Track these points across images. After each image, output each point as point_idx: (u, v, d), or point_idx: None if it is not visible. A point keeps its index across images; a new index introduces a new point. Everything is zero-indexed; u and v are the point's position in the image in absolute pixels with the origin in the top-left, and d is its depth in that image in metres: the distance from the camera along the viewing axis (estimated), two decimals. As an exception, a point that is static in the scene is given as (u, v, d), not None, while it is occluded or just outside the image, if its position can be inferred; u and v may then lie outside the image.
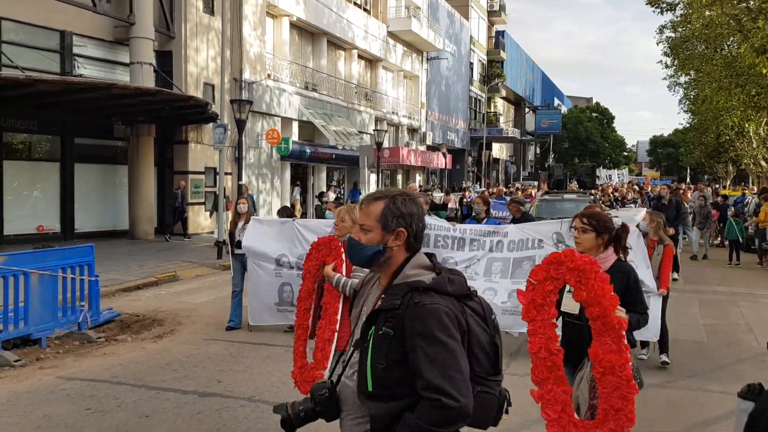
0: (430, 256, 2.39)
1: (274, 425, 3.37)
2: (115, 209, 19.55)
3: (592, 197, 15.44)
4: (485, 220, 9.13)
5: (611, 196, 24.71)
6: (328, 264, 4.68)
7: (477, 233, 8.15)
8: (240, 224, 8.96)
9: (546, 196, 17.84)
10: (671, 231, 11.64)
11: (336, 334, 4.39)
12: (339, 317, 4.45)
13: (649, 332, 6.94)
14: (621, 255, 3.95)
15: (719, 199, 21.39)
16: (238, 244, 8.72)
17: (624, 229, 4.00)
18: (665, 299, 7.41)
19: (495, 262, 7.83)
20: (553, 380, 3.17)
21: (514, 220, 9.27)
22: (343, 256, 4.63)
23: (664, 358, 7.34)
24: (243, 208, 9.24)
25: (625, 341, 3.10)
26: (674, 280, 10.92)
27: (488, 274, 7.91)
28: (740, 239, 16.39)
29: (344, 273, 4.61)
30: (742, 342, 8.52)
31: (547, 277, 3.18)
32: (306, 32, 27.90)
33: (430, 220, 8.11)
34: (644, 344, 7.62)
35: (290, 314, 7.89)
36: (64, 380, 6.53)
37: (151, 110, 17.92)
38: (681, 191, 21.44)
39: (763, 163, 39.64)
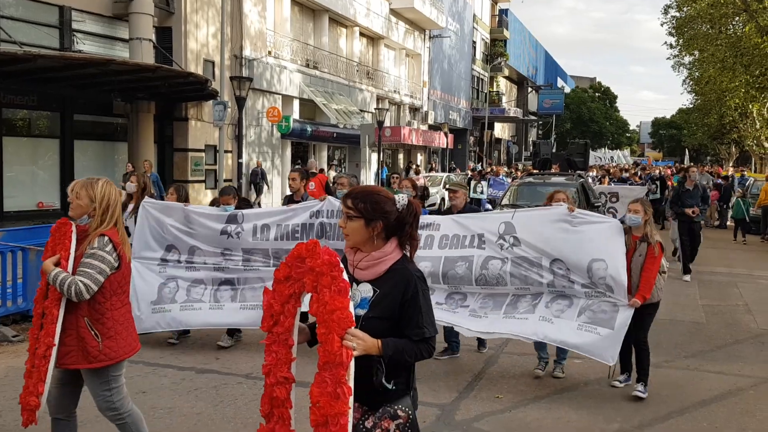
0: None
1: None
2: (116, 186, 19.46)
3: (581, 180, 13.77)
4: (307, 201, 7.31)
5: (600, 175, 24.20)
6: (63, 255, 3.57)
7: None
8: (129, 208, 7.21)
9: (530, 179, 15.34)
10: (694, 212, 11.28)
11: (54, 348, 3.49)
12: (59, 327, 3.49)
13: (602, 351, 5.46)
14: (408, 251, 2.74)
15: (720, 180, 21.36)
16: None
17: (410, 210, 2.70)
18: (647, 316, 5.76)
19: (422, 263, 6.10)
20: (276, 418, 2.52)
21: (458, 211, 7.11)
22: (73, 246, 3.58)
23: (638, 389, 5.71)
24: (131, 187, 7.43)
25: (348, 383, 2.32)
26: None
27: None
28: (746, 218, 16.90)
29: (70, 268, 3.53)
30: (741, 323, 8.53)
31: (288, 276, 2.52)
32: (307, 9, 27.62)
33: None
34: (624, 369, 6.11)
35: (167, 314, 6.64)
36: (63, 356, 6.54)
37: (151, 87, 17.79)
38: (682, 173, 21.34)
39: (766, 144, 39.49)
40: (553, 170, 22.50)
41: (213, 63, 20.79)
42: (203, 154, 21.14)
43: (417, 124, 37.95)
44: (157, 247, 6.82)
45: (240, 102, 16.88)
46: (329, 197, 6.79)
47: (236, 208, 6.93)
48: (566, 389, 6.00)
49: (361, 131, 26.47)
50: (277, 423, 2.50)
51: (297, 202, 7.23)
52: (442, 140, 38.63)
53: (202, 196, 21.11)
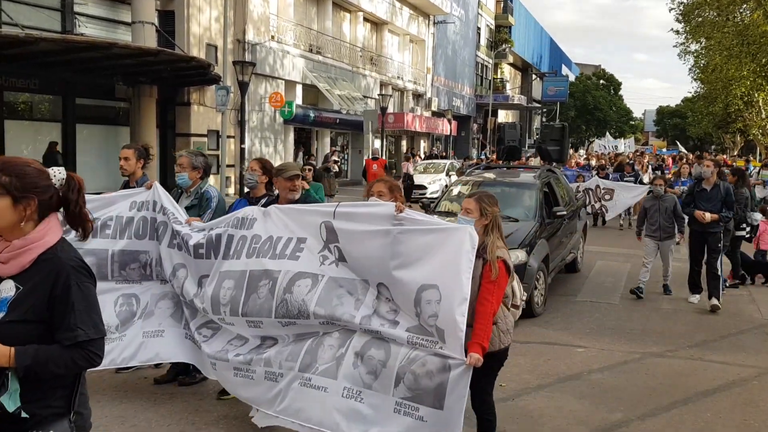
0: None
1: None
2: (117, 171, 19.32)
3: (549, 177, 10.08)
4: (263, 200, 5.15)
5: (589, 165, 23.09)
6: None
7: (223, 225, 4.76)
8: None
9: (476, 175, 11.07)
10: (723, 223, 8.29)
11: None
12: None
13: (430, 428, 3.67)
14: (80, 235, 2.29)
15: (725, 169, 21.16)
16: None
17: (71, 185, 2.25)
18: (485, 374, 3.87)
19: (225, 281, 4.49)
20: None
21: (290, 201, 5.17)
22: None
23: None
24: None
25: None
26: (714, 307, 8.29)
27: (215, 308, 4.52)
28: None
29: None
30: (744, 313, 8.49)
31: None
32: (311, -7, 27.46)
33: (168, 203, 5.10)
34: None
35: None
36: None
37: (153, 71, 17.68)
38: (684, 162, 21.05)
39: (771, 133, 39.26)
40: (529, 161, 20.00)
41: (216, 47, 20.66)
42: (206, 140, 21.06)
43: (420, 110, 37.80)
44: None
45: (243, 87, 16.80)
46: (156, 184, 5.23)
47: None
48: (569, 378, 5.97)
49: (364, 117, 26.40)
50: None
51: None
52: (445, 127, 38.49)
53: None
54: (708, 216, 8.24)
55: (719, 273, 8.47)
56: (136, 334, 4.95)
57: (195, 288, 4.77)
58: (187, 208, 5.31)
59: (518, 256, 7.57)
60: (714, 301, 8.38)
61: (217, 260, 4.63)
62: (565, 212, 9.43)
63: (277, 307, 4.17)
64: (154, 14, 18.28)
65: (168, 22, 19.53)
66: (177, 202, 5.26)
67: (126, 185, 5.78)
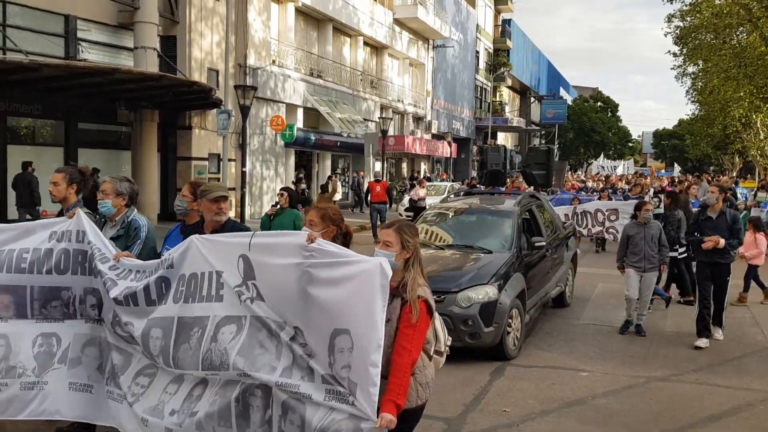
0: None
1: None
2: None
3: (531, 203, 9.41)
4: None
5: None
6: None
7: (148, 271, 4.15)
8: None
9: (452, 202, 10.09)
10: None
11: None
12: None
13: None
14: None
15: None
16: None
17: None
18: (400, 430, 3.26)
19: (154, 329, 3.94)
20: None
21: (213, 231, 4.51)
22: None
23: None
24: None
25: None
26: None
27: (134, 374, 4.11)
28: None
29: None
30: (748, 336, 8.45)
31: None
32: (311, 18, 27.69)
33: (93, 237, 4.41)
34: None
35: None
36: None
37: (155, 95, 17.83)
38: (686, 185, 21.00)
39: (770, 154, 39.45)
40: (517, 184, 18.53)
41: (217, 72, 20.82)
42: (206, 163, 21.13)
43: (420, 133, 37.97)
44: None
45: (244, 110, 16.88)
46: (80, 212, 4.51)
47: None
48: (574, 403, 5.93)
49: (365, 140, 26.50)
50: None
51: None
52: (445, 149, 38.66)
53: (206, 205, 21.08)
54: (722, 242, 7.55)
55: (725, 305, 8.08)
56: (60, 383, 4.31)
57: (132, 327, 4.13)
58: (113, 239, 4.67)
59: (487, 292, 6.97)
60: (719, 333, 8.02)
61: (139, 307, 4.07)
62: (544, 243, 8.49)
63: (203, 359, 3.67)
64: (156, 39, 18.45)
65: (170, 47, 19.70)
66: (101, 231, 4.59)
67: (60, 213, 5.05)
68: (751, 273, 10.27)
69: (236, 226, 4.59)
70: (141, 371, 4.09)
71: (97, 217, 4.92)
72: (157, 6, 18.47)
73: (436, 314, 3.50)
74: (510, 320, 7.21)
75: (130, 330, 4.05)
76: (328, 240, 3.60)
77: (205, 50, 20.58)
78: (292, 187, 19.74)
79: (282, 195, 8.20)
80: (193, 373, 3.75)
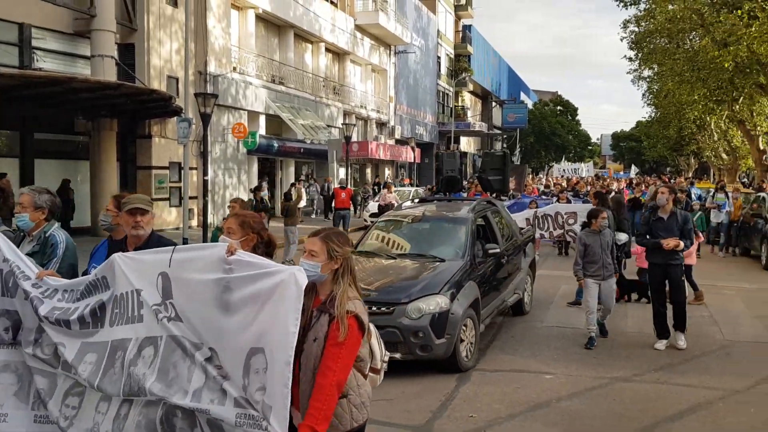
0: None
1: None
2: (77, 205, 19.11)
3: (486, 210, 9.28)
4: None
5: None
6: None
7: (80, 290, 3.80)
8: None
9: (406, 209, 9.96)
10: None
11: None
12: None
13: None
14: None
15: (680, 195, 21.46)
16: None
17: None
18: None
19: (88, 354, 3.62)
20: None
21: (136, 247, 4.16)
22: None
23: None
24: None
25: None
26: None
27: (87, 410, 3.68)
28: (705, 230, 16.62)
29: None
30: (707, 334, 8.64)
31: None
32: (272, 25, 27.57)
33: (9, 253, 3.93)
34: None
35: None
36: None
37: (114, 104, 17.53)
38: (644, 185, 21.36)
39: (723, 155, 40.56)
40: (479, 189, 18.20)
41: (177, 79, 20.57)
42: (167, 172, 20.86)
43: (384, 138, 38.08)
44: None
45: (205, 118, 16.70)
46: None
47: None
48: (539, 406, 6.00)
49: (328, 146, 26.48)
50: None
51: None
52: (409, 154, 38.85)
53: (166, 214, 20.81)
54: (682, 244, 7.59)
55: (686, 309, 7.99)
56: None
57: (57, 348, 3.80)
58: (29, 255, 4.26)
59: (439, 302, 6.75)
60: (682, 341, 7.84)
61: (72, 330, 3.71)
62: (499, 250, 8.36)
63: (123, 384, 3.40)
64: (113, 47, 18.16)
65: (128, 55, 19.41)
66: (18, 247, 4.19)
67: None
68: (688, 272, 10.31)
69: (161, 241, 4.21)
70: (68, 391, 3.79)
71: (16, 231, 4.52)
72: (115, 13, 18.18)
73: (373, 329, 3.29)
74: (463, 330, 6.98)
75: (61, 352, 3.71)
76: (249, 249, 3.41)
77: (164, 58, 20.32)
78: (251, 195, 19.53)
79: (233, 207, 7.61)
80: (114, 399, 3.51)
